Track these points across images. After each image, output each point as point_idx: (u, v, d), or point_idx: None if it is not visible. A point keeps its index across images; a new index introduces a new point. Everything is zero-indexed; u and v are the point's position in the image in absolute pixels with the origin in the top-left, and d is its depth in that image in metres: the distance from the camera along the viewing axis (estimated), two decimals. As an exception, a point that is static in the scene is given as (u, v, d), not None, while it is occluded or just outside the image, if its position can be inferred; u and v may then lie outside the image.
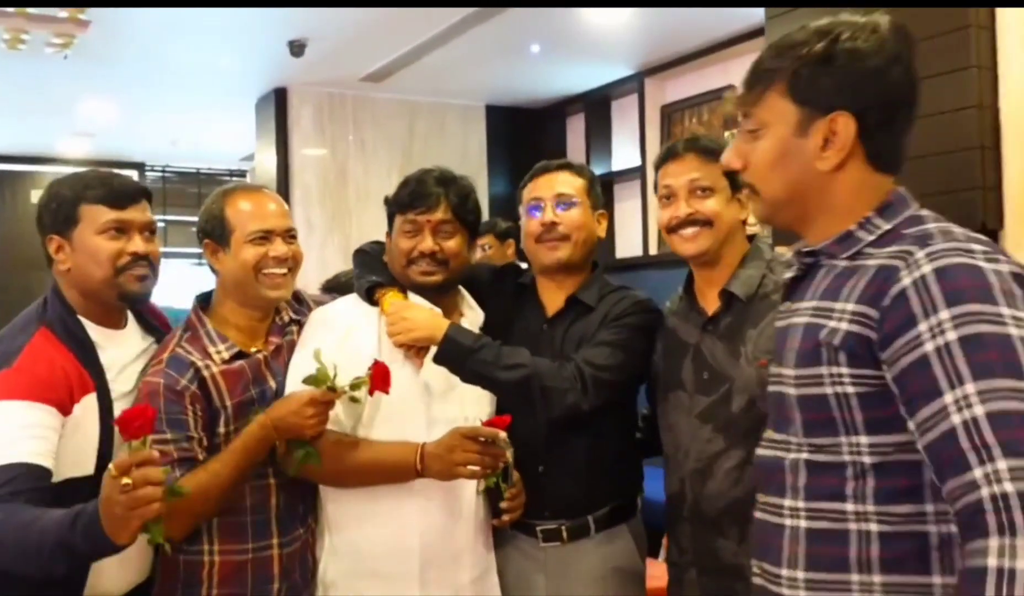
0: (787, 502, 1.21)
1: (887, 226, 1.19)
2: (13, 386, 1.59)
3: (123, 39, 4.19)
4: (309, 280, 2.66)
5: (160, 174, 7.51)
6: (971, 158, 2.16)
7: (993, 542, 0.97)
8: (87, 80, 4.94)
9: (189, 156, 7.27)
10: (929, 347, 1.05)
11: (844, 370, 1.14)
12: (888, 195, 1.22)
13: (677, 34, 4.39)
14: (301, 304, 1.99)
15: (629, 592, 1.92)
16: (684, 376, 1.79)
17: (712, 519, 1.72)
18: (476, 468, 1.71)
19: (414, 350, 1.82)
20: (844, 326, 1.14)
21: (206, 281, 1.94)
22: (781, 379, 1.25)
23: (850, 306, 1.15)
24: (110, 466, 1.35)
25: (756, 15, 3.67)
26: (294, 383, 1.77)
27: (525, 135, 5.70)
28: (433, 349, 1.79)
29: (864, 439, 1.14)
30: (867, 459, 1.14)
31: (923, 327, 1.06)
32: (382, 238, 2.00)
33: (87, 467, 1.66)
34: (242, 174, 7.50)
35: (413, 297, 1.89)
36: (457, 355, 1.76)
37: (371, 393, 1.72)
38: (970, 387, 1.02)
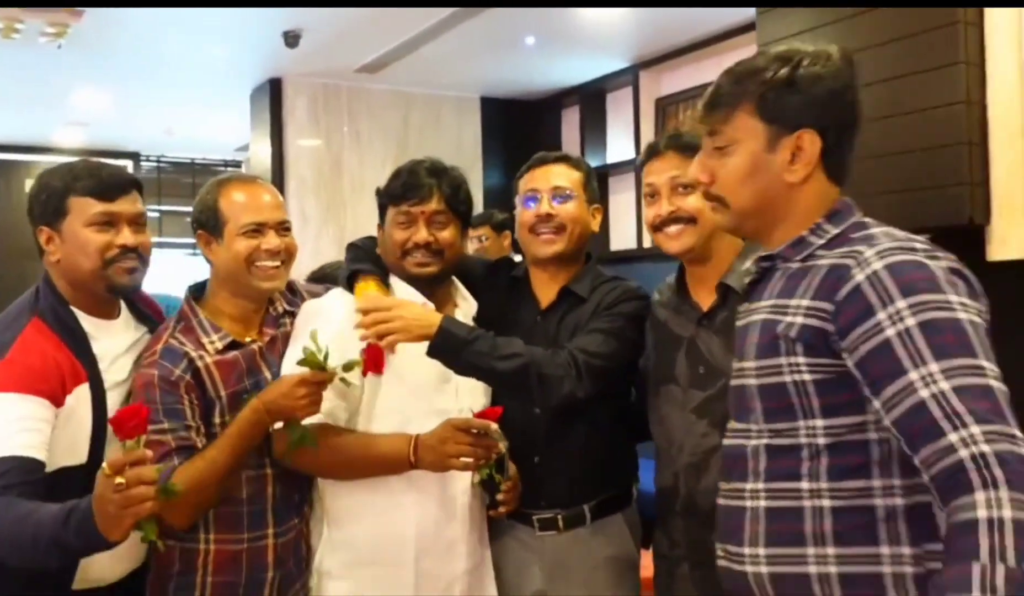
0: (748, 485, 1.33)
1: (836, 231, 1.32)
2: (5, 378, 1.60)
3: (117, 29, 4.18)
4: (303, 271, 2.66)
5: (155, 164, 7.47)
6: (959, 153, 2.17)
7: (980, 496, 1.07)
8: (81, 70, 4.92)
9: (184, 146, 7.23)
10: (890, 332, 1.17)
11: (801, 359, 1.26)
12: (836, 203, 1.35)
13: (672, 27, 4.40)
14: (295, 295, 1.99)
15: (624, 580, 1.93)
16: (677, 370, 1.79)
17: (706, 513, 1.71)
18: (469, 460, 1.72)
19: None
20: (800, 320, 1.26)
21: (201, 271, 1.94)
22: (743, 372, 1.36)
23: (805, 302, 1.27)
24: (104, 465, 1.36)
25: (750, 9, 3.68)
26: (288, 372, 1.77)
27: (520, 127, 5.69)
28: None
29: (820, 422, 1.26)
30: (822, 440, 1.26)
31: (882, 316, 1.18)
32: (376, 230, 2.00)
33: (80, 456, 1.67)
34: (237, 165, 7.47)
35: (404, 289, 1.89)
36: (452, 347, 1.75)
37: (364, 374, 1.69)
38: (933, 366, 1.14)
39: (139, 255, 1.77)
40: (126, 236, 1.74)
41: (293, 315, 1.92)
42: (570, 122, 5.56)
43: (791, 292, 1.31)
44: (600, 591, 1.90)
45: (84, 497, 1.41)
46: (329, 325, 1.80)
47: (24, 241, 1.93)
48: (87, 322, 1.75)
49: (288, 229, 1.87)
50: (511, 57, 4.89)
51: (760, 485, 1.31)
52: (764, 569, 1.29)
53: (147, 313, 1.92)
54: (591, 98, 5.36)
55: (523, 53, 4.80)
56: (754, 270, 1.44)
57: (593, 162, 4.87)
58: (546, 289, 1.98)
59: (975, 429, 1.10)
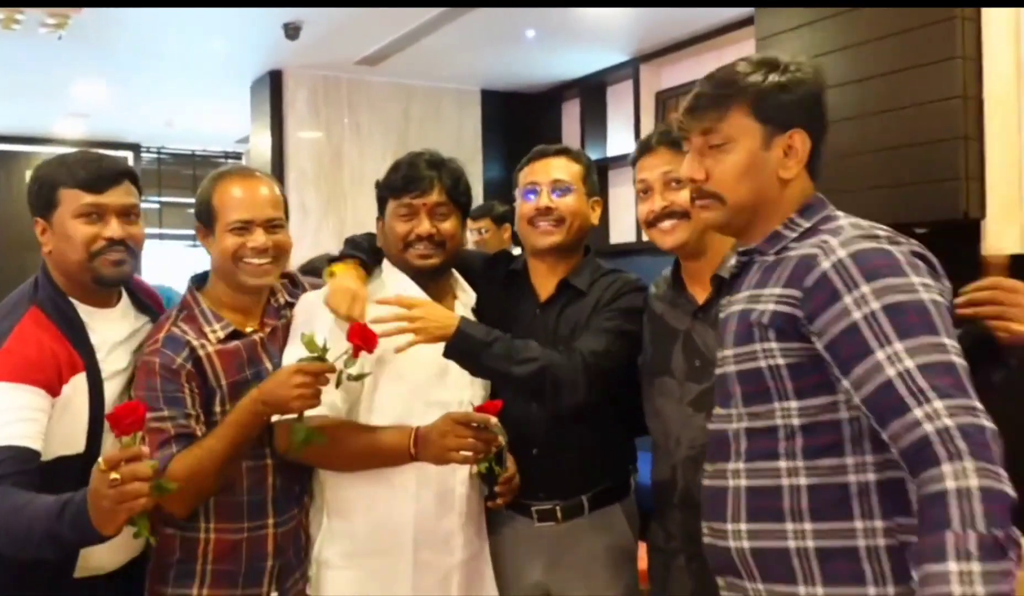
0: (730, 466, 1.39)
1: (807, 224, 1.39)
2: (1, 368, 1.60)
3: (118, 20, 4.18)
4: (297, 264, 2.65)
5: (155, 156, 7.47)
6: (955, 148, 2.18)
7: (947, 468, 1.13)
8: (81, 61, 4.92)
9: (184, 138, 7.23)
10: (857, 315, 1.23)
11: (774, 345, 1.32)
12: (808, 198, 1.42)
13: (672, 21, 4.40)
14: (297, 287, 2.00)
15: (623, 571, 1.94)
16: (674, 363, 1.79)
17: None
18: (468, 453, 1.72)
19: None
20: (771, 307, 1.33)
21: (201, 263, 1.95)
22: (724, 361, 1.43)
23: (776, 290, 1.34)
24: (99, 460, 1.36)
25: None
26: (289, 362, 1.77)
27: (520, 120, 5.68)
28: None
29: (794, 404, 1.32)
30: (796, 421, 1.32)
31: (848, 300, 1.24)
32: (375, 223, 2.00)
33: (77, 446, 1.68)
34: (237, 156, 7.46)
35: (404, 283, 1.89)
36: (469, 349, 1.75)
37: (355, 356, 1.65)
38: (898, 345, 1.20)
39: (127, 247, 1.75)
40: (113, 228, 1.72)
41: (294, 307, 1.92)
42: (570, 115, 5.56)
43: (765, 283, 1.38)
44: (598, 582, 1.91)
45: (79, 490, 1.41)
46: (326, 316, 1.80)
47: (24, 232, 1.93)
48: (84, 311, 1.75)
49: (279, 226, 1.84)
50: (511, 50, 4.89)
51: (741, 465, 1.37)
52: (746, 544, 1.35)
53: (147, 303, 1.92)
54: (591, 91, 5.35)
55: (523, 46, 4.80)
56: (734, 265, 1.50)
57: (593, 155, 4.85)
58: (545, 282, 1.99)
59: (938, 404, 1.16)
